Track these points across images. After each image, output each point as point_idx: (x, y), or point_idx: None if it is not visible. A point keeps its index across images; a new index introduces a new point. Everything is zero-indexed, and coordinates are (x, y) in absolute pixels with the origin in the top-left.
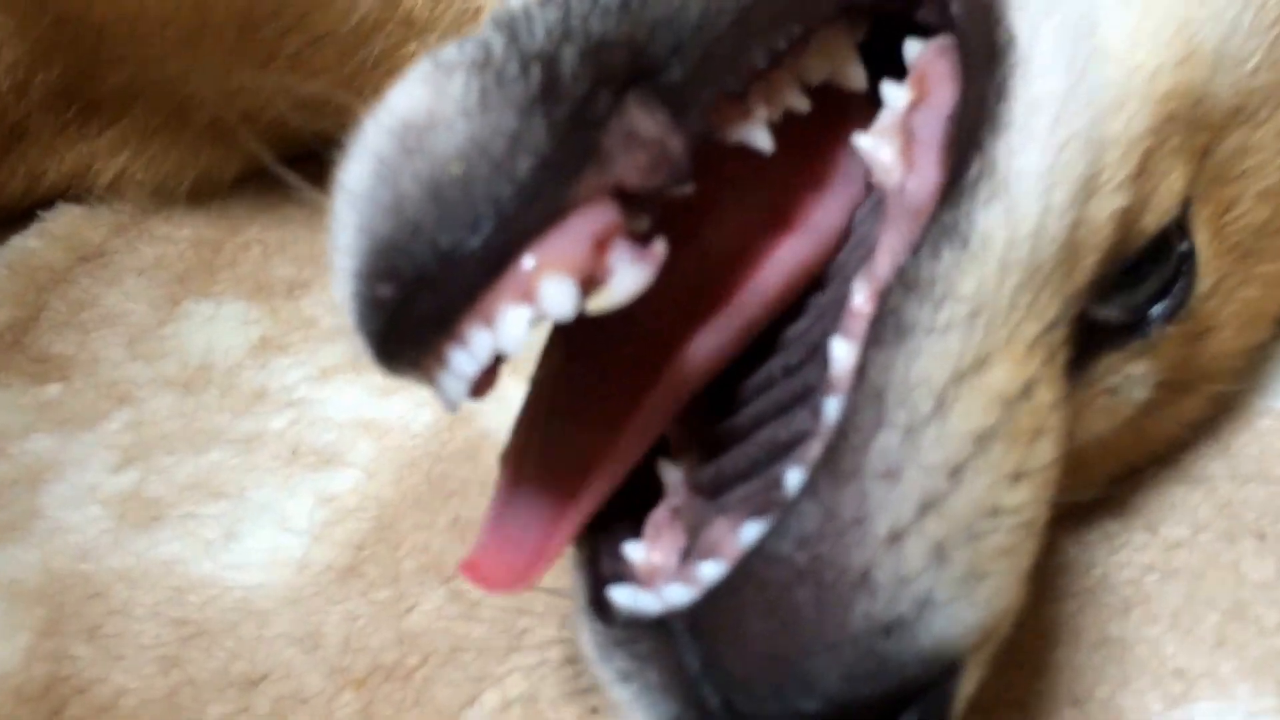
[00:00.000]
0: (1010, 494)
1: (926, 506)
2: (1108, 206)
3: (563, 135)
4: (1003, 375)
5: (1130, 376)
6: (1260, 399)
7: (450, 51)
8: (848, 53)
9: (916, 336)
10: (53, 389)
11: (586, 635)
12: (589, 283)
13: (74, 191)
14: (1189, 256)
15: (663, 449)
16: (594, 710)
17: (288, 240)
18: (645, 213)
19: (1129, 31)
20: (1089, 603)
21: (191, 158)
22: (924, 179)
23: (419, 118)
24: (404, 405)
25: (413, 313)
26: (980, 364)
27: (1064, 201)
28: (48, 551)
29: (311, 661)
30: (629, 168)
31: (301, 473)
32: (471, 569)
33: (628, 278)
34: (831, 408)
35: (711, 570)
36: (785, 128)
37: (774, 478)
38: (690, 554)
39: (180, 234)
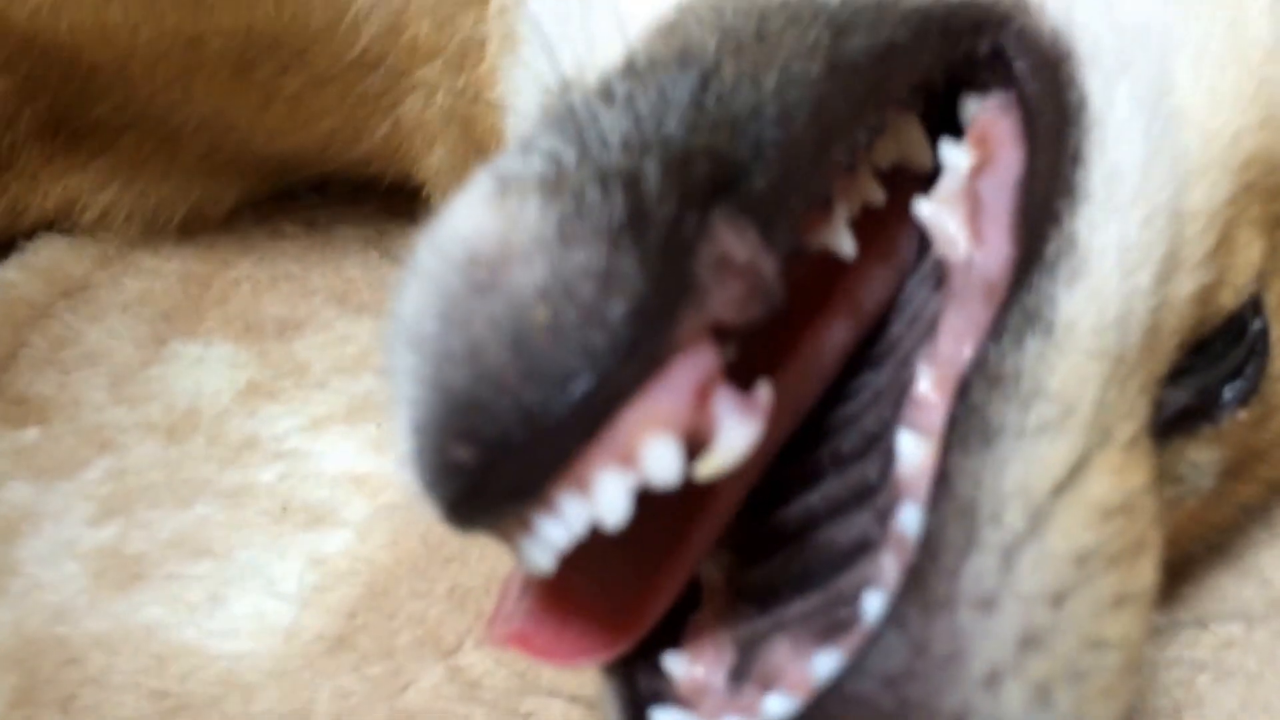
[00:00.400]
0: (1114, 624)
1: (1028, 642)
2: (1189, 285)
3: (656, 270)
4: (1102, 485)
5: (1197, 464)
6: None
7: (513, 164)
8: (916, 133)
9: (1006, 440)
10: (31, 433)
11: None
12: (693, 440)
13: (59, 225)
14: (1263, 335)
15: None
16: None
17: (279, 277)
18: (734, 343)
19: (1206, 92)
20: (1139, 704)
21: (183, 191)
22: (995, 253)
23: (489, 249)
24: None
25: (495, 479)
26: (1076, 472)
27: (1149, 282)
28: (21, 612)
29: None
30: (725, 301)
31: (291, 531)
32: (523, 641)
33: (736, 434)
34: (910, 519)
35: (779, 706)
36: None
37: (840, 594)
38: (742, 674)
39: (167, 268)
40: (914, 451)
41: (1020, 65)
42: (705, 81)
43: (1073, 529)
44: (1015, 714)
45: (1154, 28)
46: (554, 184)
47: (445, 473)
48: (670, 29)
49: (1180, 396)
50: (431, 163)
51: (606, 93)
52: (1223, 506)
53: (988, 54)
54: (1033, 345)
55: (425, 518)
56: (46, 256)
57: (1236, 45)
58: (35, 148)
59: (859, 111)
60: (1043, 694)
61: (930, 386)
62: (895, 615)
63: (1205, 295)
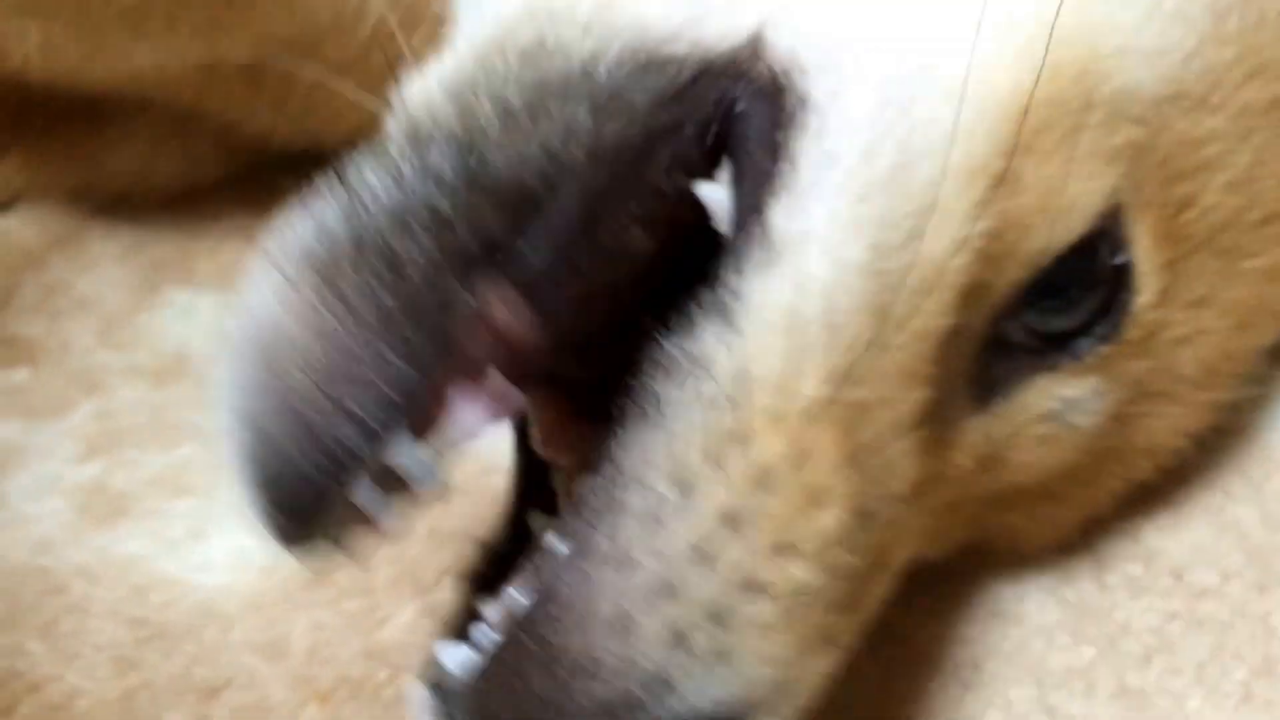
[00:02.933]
0: (771, 567)
1: (661, 592)
2: (949, 240)
3: (419, 349)
4: (766, 449)
5: (1069, 399)
6: None
7: (293, 238)
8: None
9: (663, 417)
10: (20, 374)
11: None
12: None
13: None
14: (1124, 269)
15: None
16: None
17: (273, 227)
18: None
19: (961, 63)
20: (1109, 649)
21: (181, 160)
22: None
23: (270, 334)
24: None
25: (306, 532)
26: (739, 440)
27: (862, 254)
28: (6, 544)
29: (275, 671)
30: (479, 357)
31: None
32: None
33: (468, 418)
34: (583, 486)
35: (486, 636)
36: None
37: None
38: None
39: (161, 219)
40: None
41: (746, 97)
42: (477, 158)
43: (724, 490)
44: (646, 652)
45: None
46: (324, 265)
47: (274, 528)
48: (458, 93)
49: (1021, 336)
50: None
51: (386, 162)
52: (1153, 433)
53: (720, 99)
54: (709, 331)
55: None
56: (42, 206)
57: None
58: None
59: (622, 198)
60: (677, 635)
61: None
62: (533, 569)
63: (992, 244)
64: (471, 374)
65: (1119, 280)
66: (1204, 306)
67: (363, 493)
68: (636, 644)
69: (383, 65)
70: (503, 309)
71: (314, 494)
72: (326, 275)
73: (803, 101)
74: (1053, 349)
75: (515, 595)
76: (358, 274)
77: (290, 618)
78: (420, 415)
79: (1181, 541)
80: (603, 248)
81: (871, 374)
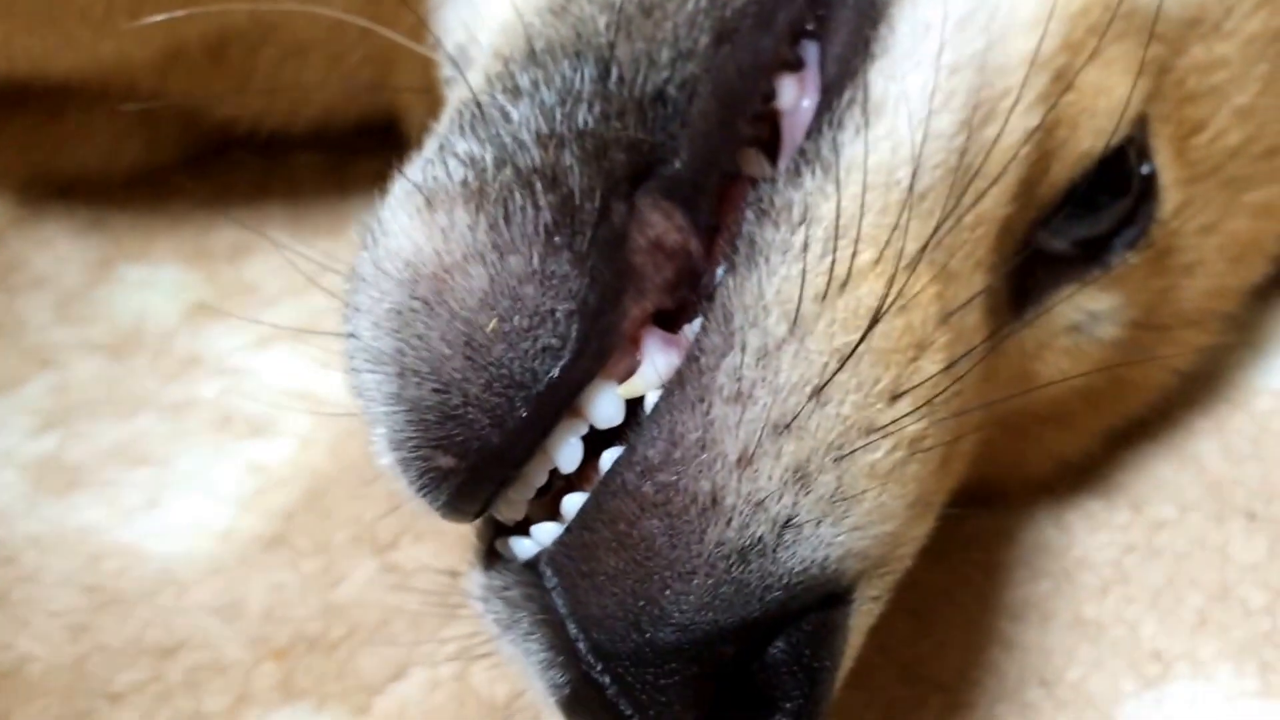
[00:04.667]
0: (888, 411)
1: (782, 427)
2: (1016, 129)
3: (594, 266)
4: (870, 292)
5: (1094, 312)
6: (1259, 377)
7: (434, 172)
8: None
9: (770, 258)
10: None
11: (472, 588)
12: (625, 376)
13: None
14: (1150, 179)
15: None
16: (526, 690)
17: (233, 202)
18: None
19: None
20: (1064, 582)
21: (141, 147)
22: (810, 106)
23: (427, 264)
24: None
25: (480, 477)
26: (843, 284)
27: (950, 126)
28: None
29: (231, 631)
30: (661, 288)
31: (232, 441)
32: None
33: (660, 364)
34: (691, 330)
35: (574, 501)
36: None
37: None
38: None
39: (118, 196)
40: (715, 275)
41: None
42: (605, 68)
43: (835, 330)
44: (770, 490)
45: None
46: (477, 191)
47: (433, 479)
48: (561, 7)
49: (1062, 243)
50: (404, 87)
51: (511, 86)
52: (1149, 367)
53: None
54: (810, 181)
55: (364, 429)
56: None
57: None
58: None
59: (752, 80)
60: (801, 472)
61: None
62: (655, 413)
63: (1047, 138)
64: (649, 295)
65: (1145, 189)
66: (1208, 234)
67: (563, 442)
68: (761, 481)
69: (353, 43)
70: (662, 221)
71: (504, 437)
72: (479, 200)
73: None
74: (1084, 259)
75: (609, 454)
76: (512, 197)
77: (247, 580)
78: (612, 352)
79: (1141, 476)
80: (739, 137)
81: (954, 242)
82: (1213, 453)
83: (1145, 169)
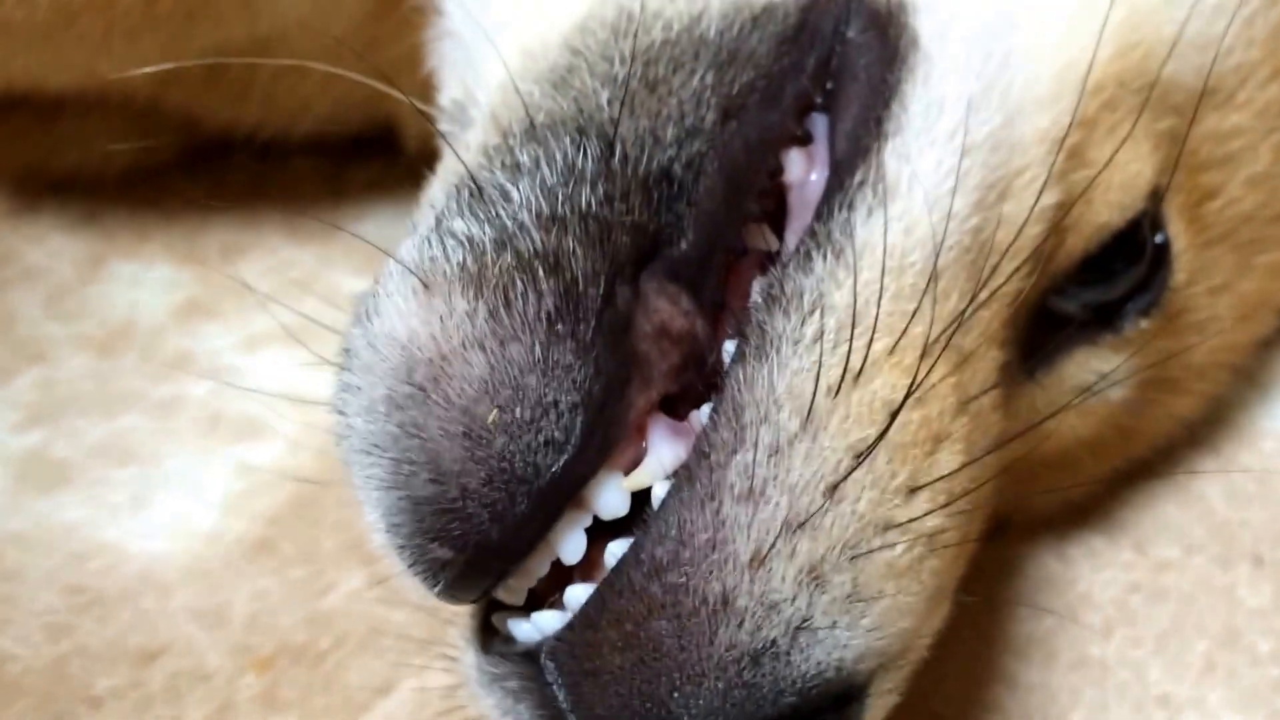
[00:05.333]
0: (905, 508)
1: (795, 526)
2: (1030, 204)
3: (599, 356)
4: (885, 384)
5: (1105, 374)
6: (1265, 419)
7: (431, 253)
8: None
9: (782, 350)
10: None
11: (469, 670)
12: (632, 465)
13: None
14: (1164, 248)
15: None
16: None
17: (227, 202)
18: None
19: (1052, 27)
20: (1069, 620)
21: (135, 150)
22: (819, 184)
23: (424, 350)
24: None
25: (476, 568)
26: (857, 375)
27: (966, 207)
28: None
29: (213, 638)
30: (667, 374)
31: (221, 442)
32: None
33: (667, 455)
34: (697, 421)
35: (577, 594)
36: None
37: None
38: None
39: (112, 193)
40: (725, 362)
41: (854, 26)
42: (609, 146)
43: (849, 425)
44: (785, 592)
45: None
46: (476, 275)
47: (429, 567)
48: (562, 80)
49: (1072, 306)
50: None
51: (511, 162)
52: (1157, 418)
53: (831, 32)
54: (820, 266)
55: None
56: None
57: None
58: None
59: (760, 157)
60: (814, 574)
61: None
62: (663, 509)
63: (1061, 214)
64: (656, 383)
65: (1158, 258)
66: (1219, 295)
67: (567, 534)
68: (773, 582)
69: (353, 58)
70: (668, 306)
71: (504, 533)
72: (478, 285)
73: (913, 40)
74: (1096, 323)
75: (613, 550)
76: (513, 282)
77: (232, 585)
78: (617, 444)
79: (1145, 515)
80: (746, 214)
81: (970, 325)
82: (1218, 494)
83: (1159, 238)
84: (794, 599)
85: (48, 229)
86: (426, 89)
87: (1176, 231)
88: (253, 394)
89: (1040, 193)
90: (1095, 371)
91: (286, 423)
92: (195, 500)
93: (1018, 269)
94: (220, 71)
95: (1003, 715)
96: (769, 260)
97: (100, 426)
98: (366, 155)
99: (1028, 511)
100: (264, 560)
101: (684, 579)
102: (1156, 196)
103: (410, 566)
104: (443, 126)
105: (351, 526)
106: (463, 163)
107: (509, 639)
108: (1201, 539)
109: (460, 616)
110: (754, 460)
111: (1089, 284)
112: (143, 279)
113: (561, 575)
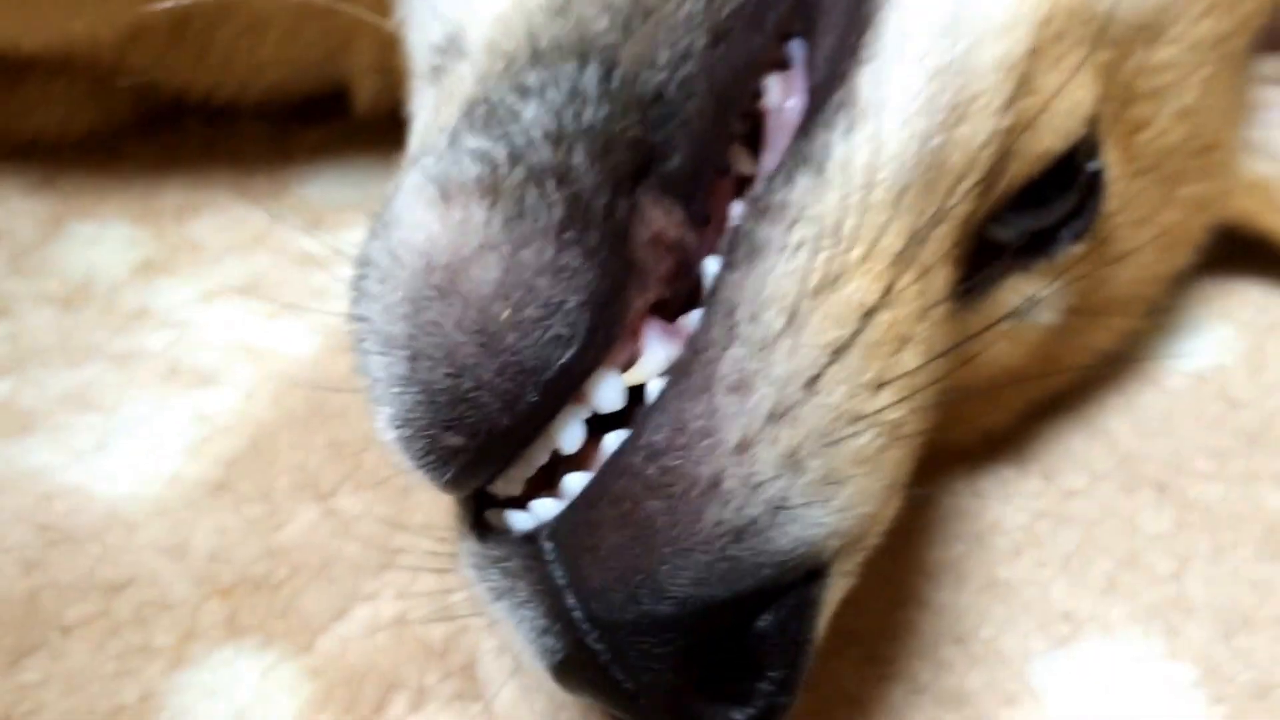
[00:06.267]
0: (871, 401)
1: (778, 416)
2: (985, 130)
3: (603, 260)
4: (859, 289)
5: (1035, 299)
6: (1173, 358)
7: (448, 167)
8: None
9: (768, 256)
10: None
11: (465, 556)
12: (627, 364)
13: None
14: (1097, 175)
15: None
16: (464, 629)
17: (180, 163)
18: None
19: None
20: (979, 546)
21: (95, 113)
22: (796, 107)
23: (442, 254)
24: (288, 331)
25: (485, 455)
26: (835, 280)
27: (930, 128)
28: None
29: (178, 570)
30: (661, 280)
31: (179, 390)
32: None
33: (660, 354)
34: (691, 321)
35: (576, 481)
36: None
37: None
38: (553, 469)
39: (70, 156)
40: (711, 270)
41: None
42: (609, 69)
43: (827, 324)
44: (767, 474)
45: None
46: (491, 187)
47: (440, 457)
48: (562, 7)
49: (1010, 233)
50: (357, 64)
51: (519, 84)
52: (1076, 347)
53: None
54: (802, 181)
55: (308, 381)
56: None
57: None
58: None
59: (744, 79)
60: (793, 458)
61: (734, 218)
62: (661, 400)
63: (1011, 139)
64: (651, 288)
65: (1091, 185)
66: (1144, 226)
67: (567, 425)
68: (757, 466)
69: (310, 20)
70: (662, 217)
71: (514, 419)
72: (494, 196)
73: None
74: (1030, 249)
75: (612, 438)
76: (526, 193)
77: (193, 522)
78: (617, 341)
79: (1053, 447)
80: (730, 134)
81: (931, 239)
82: (1124, 427)
83: (1092, 166)
84: (775, 481)
85: (8, 191)
86: (385, 47)
87: (1111, 159)
88: (208, 345)
89: (990, 119)
90: (1027, 296)
91: (240, 372)
92: (156, 445)
93: (970, 189)
94: (182, 33)
95: (916, 634)
96: (745, 183)
97: (64, 377)
98: (312, 119)
99: (948, 443)
100: (223, 499)
101: (678, 462)
102: (1094, 124)
103: (422, 458)
104: (432, 61)
105: (304, 467)
106: (482, 85)
107: (501, 532)
108: (1107, 469)
109: (429, 529)
110: (744, 355)
111: (1025, 210)
112: (101, 238)
113: (553, 470)
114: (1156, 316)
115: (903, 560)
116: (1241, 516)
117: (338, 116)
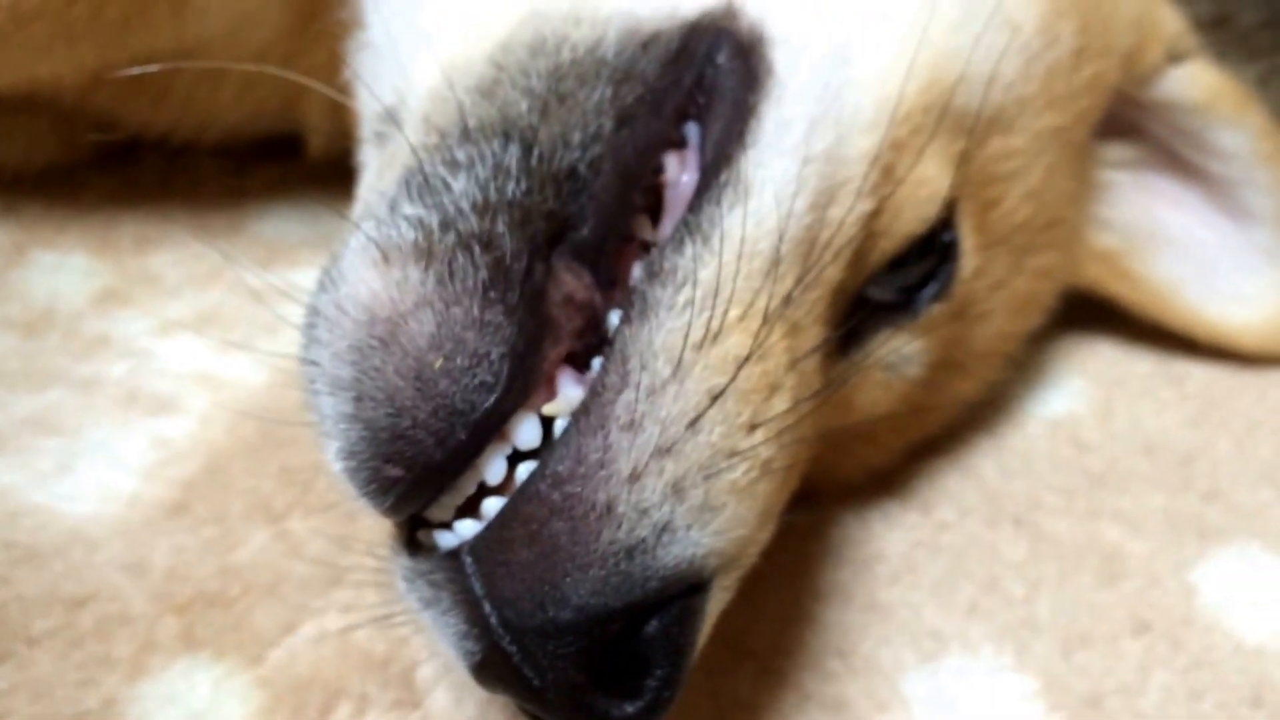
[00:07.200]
0: (745, 440)
1: (664, 451)
2: (852, 211)
3: (521, 317)
4: (736, 344)
5: (903, 353)
6: (1034, 406)
7: (387, 230)
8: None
9: (659, 313)
10: None
11: (399, 570)
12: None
13: None
14: (952, 247)
15: None
16: (403, 642)
17: (138, 197)
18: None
19: (875, 63)
20: (863, 570)
21: (56, 149)
22: (690, 184)
23: (383, 309)
24: (243, 363)
25: (420, 486)
26: (715, 335)
27: (804, 208)
28: None
29: (137, 586)
30: (572, 334)
31: (138, 416)
32: None
33: (574, 395)
34: (595, 368)
35: (493, 504)
36: None
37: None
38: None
39: (32, 187)
40: (613, 324)
41: (723, 53)
42: (529, 148)
43: (708, 374)
44: (654, 501)
45: (840, 14)
46: (426, 250)
47: (381, 486)
48: (489, 90)
49: (884, 294)
50: (309, 118)
51: (450, 159)
52: (944, 397)
53: (704, 56)
54: (691, 249)
55: (261, 411)
56: None
57: (917, 22)
58: None
59: (645, 158)
60: (677, 487)
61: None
62: (565, 436)
63: (874, 218)
64: (564, 341)
65: (947, 253)
66: (997, 290)
67: (492, 460)
68: (646, 493)
69: (276, 65)
70: (573, 280)
71: (446, 455)
72: (428, 259)
73: (770, 68)
74: (899, 309)
75: (524, 470)
76: (456, 257)
77: (152, 542)
78: (534, 387)
79: (931, 484)
80: (633, 206)
81: (801, 302)
82: (990, 467)
83: (947, 236)
84: (661, 507)
85: None
86: (336, 105)
87: (965, 232)
88: (166, 374)
89: (855, 202)
90: (897, 351)
91: (197, 400)
92: (116, 468)
93: (835, 260)
94: (142, 79)
95: (805, 649)
96: (646, 247)
97: (26, 400)
98: (268, 156)
99: (837, 481)
100: (180, 520)
101: (578, 489)
102: (951, 205)
103: (365, 487)
104: (375, 127)
105: (257, 491)
106: (414, 152)
107: (430, 550)
108: (974, 504)
109: (371, 548)
110: (635, 399)
111: (895, 272)
112: (62, 266)
113: (478, 496)
114: (1014, 370)
115: (795, 582)
116: (1084, 547)
117: (292, 155)
